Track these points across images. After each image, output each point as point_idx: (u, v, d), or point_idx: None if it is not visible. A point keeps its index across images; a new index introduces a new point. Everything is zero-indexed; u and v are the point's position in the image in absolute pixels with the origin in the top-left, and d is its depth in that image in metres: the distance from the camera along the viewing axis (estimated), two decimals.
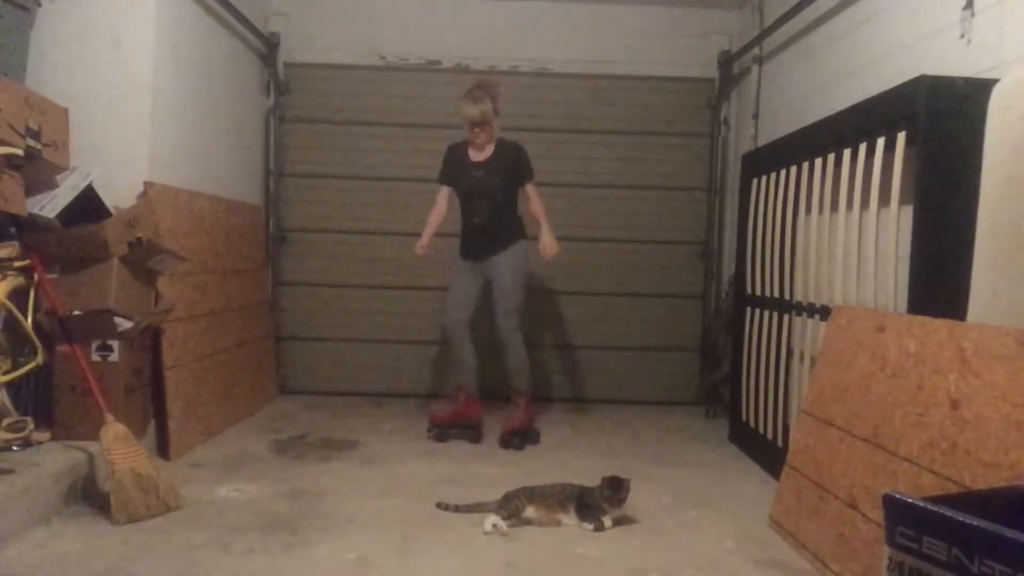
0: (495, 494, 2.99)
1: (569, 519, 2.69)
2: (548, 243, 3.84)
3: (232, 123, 4.41)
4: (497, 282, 3.87)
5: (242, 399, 4.17)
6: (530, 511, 2.68)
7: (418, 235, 3.95)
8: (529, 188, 3.93)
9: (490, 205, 3.86)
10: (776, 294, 3.50)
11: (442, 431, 3.88)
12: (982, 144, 2.20)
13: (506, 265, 3.86)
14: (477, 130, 3.82)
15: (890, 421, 2.19)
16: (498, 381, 4.11)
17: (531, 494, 2.73)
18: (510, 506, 2.67)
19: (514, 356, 3.89)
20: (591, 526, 2.65)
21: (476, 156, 3.90)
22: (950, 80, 2.41)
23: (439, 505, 2.81)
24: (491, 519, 2.61)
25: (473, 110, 3.76)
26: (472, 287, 3.93)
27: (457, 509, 2.77)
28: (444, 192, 3.99)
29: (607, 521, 2.66)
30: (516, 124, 4.31)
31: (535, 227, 3.93)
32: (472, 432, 3.90)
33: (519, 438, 3.82)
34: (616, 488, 2.68)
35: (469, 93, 3.82)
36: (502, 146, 3.92)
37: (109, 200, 3.15)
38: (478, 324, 4.00)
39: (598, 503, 2.68)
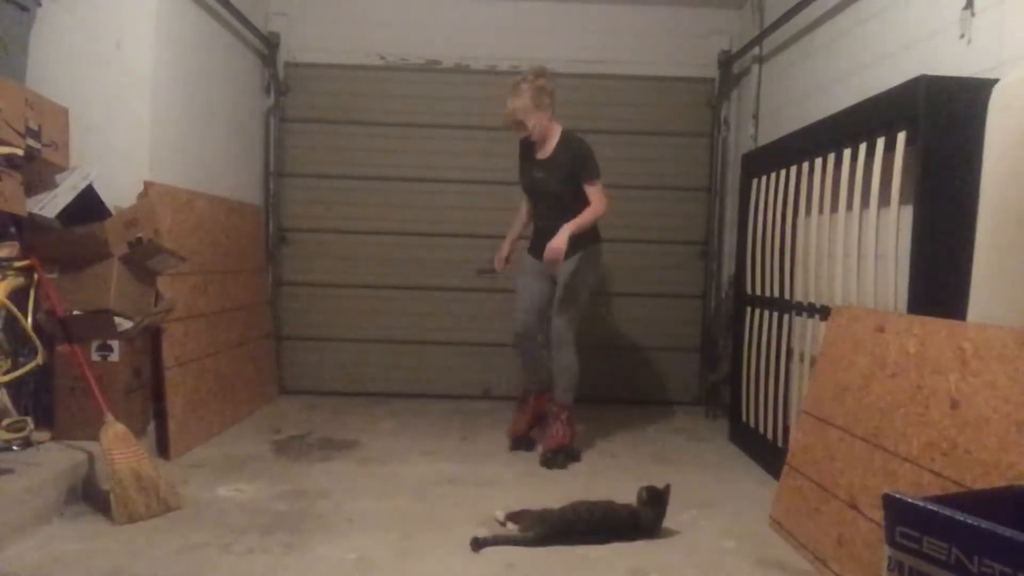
0: (495, 494, 2.99)
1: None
2: (554, 244, 3.35)
3: (232, 123, 4.41)
4: (558, 293, 3.56)
5: (242, 399, 4.17)
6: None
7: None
8: (588, 189, 3.44)
9: (552, 207, 3.54)
10: (776, 294, 3.50)
11: (525, 440, 3.71)
12: (982, 144, 2.20)
13: (569, 275, 3.51)
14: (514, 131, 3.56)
15: (890, 421, 2.19)
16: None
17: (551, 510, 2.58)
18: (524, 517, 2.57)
19: (560, 364, 3.60)
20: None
21: (540, 153, 3.58)
22: (950, 80, 2.41)
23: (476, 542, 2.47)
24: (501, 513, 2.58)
25: (506, 108, 3.48)
26: (541, 292, 3.64)
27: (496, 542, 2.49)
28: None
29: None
30: None
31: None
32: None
33: (563, 455, 3.53)
34: (659, 501, 2.60)
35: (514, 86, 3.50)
36: (565, 141, 3.54)
37: (109, 200, 3.14)
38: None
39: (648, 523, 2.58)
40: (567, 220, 3.41)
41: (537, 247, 3.59)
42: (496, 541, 2.46)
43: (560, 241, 3.34)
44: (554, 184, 3.51)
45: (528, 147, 3.64)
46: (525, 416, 3.82)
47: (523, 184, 3.70)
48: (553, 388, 3.65)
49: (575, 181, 3.46)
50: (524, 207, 3.81)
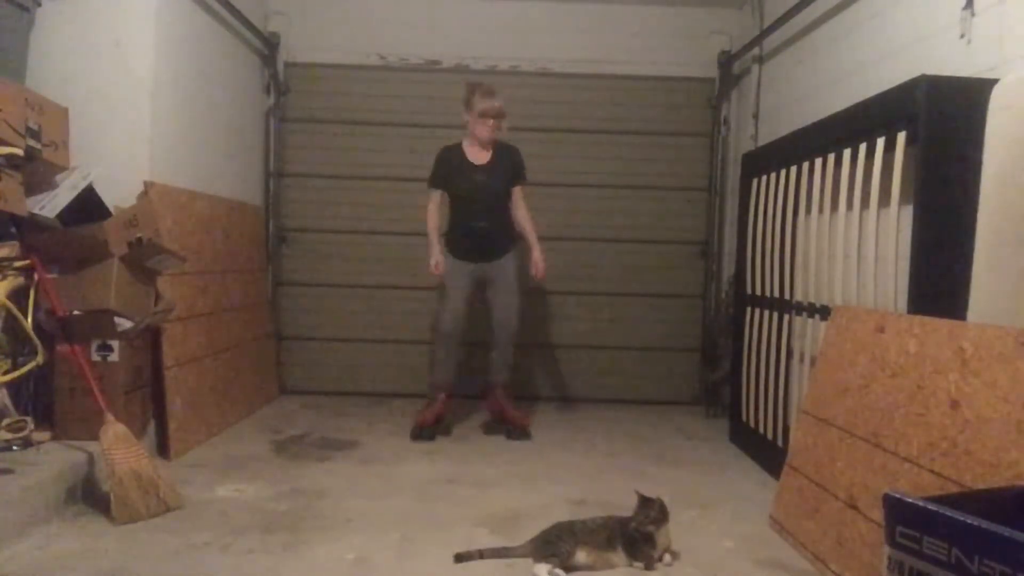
0: (494, 494, 2.99)
1: (620, 559, 2.32)
2: (539, 259, 3.92)
3: (232, 123, 4.41)
4: (502, 288, 3.91)
5: (242, 399, 4.17)
6: (581, 556, 2.28)
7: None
8: (518, 191, 3.94)
9: (492, 208, 3.87)
10: (776, 294, 3.50)
11: (429, 431, 3.89)
12: (982, 144, 2.20)
13: (511, 270, 3.92)
14: (495, 124, 3.80)
15: (890, 421, 2.19)
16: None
17: (573, 532, 2.33)
18: (560, 552, 2.26)
19: (505, 355, 4.02)
20: (641, 564, 2.30)
21: (477, 158, 3.87)
22: (950, 80, 2.41)
23: (459, 557, 2.31)
24: (544, 568, 2.22)
25: (497, 102, 3.78)
26: (469, 293, 3.93)
27: (481, 556, 2.33)
28: (437, 197, 3.92)
29: (658, 554, 2.32)
30: (516, 124, 4.30)
31: (523, 236, 3.98)
32: (446, 427, 4.02)
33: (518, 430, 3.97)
34: (648, 507, 2.32)
35: (483, 88, 3.82)
36: (503, 148, 3.93)
37: (109, 200, 3.14)
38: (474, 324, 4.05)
39: (645, 531, 2.30)
40: (505, 220, 3.91)
41: (469, 249, 3.88)
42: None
43: (543, 256, 3.93)
44: (500, 186, 3.87)
45: (454, 153, 3.89)
46: (435, 411, 3.94)
47: (460, 188, 3.86)
48: (499, 375, 4.04)
49: (511, 184, 3.90)
50: (436, 209, 3.92)
